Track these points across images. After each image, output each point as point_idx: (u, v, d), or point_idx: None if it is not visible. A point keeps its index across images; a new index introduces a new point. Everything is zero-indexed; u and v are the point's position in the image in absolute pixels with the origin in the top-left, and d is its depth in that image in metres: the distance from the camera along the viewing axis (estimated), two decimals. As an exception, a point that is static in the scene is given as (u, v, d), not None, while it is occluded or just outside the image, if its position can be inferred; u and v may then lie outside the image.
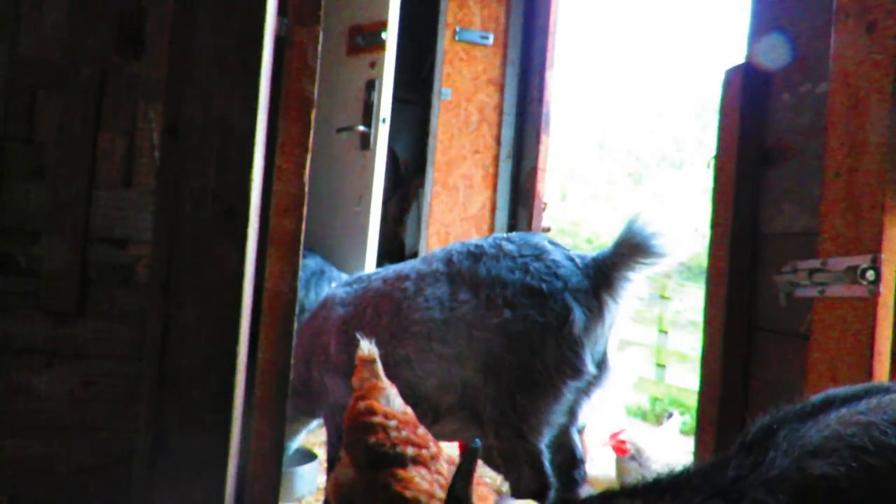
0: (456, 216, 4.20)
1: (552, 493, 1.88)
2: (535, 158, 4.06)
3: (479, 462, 2.80)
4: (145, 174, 1.52)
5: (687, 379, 6.15)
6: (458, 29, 4.16)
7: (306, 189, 1.65)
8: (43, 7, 1.47)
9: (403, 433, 1.23)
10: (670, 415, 3.09)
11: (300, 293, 1.74)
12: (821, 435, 0.76)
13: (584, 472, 2.04)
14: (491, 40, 4.22)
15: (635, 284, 1.89)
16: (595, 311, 1.86)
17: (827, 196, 1.40)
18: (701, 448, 1.80)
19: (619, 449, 2.43)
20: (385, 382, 1.32)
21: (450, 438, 2.08)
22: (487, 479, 2.79)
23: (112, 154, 1.51)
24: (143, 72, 1.51)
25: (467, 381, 1.93)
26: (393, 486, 1.16)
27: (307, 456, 2.70)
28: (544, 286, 1.86)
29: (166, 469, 1.44)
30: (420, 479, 1.17)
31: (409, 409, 1.31)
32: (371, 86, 3.57)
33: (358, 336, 1.40)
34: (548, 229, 4.07)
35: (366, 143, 3.59)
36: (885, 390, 0.82)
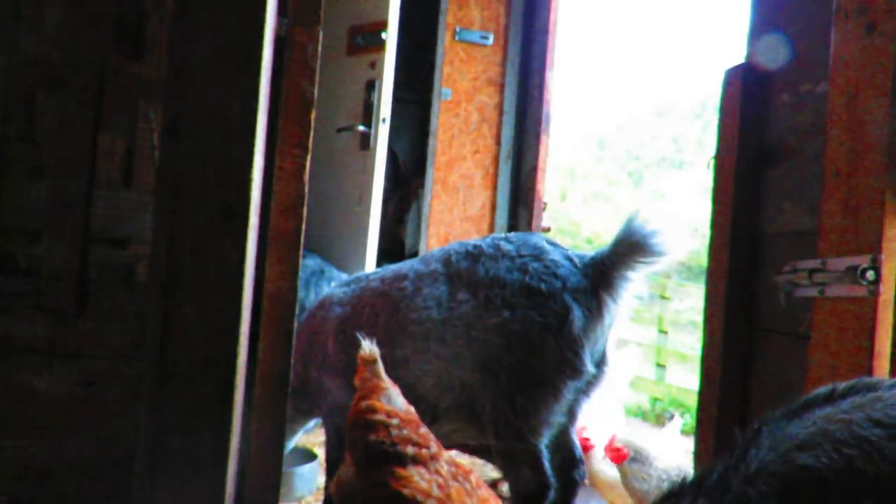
0: (456, 216, 4.20)
1: (552, 494, 1.88)
2: (535, 158, 4.06)
3: (479, 462, 2.80)
4: (145, 174, 1.52)
5: (687, 379, 6.16)
6: (458, 29, 4.16)
7: (306, 189, 1.65)
8: (43, 7, 1.47)
9: (405, 432, 1.23)
10: (672, 416, 3.09)
11: (300, 293, 1.74)
12: (806, 431, 0.83)
13: (584, 473, 2.04)
14: (491, 40, 4.22)
15: (634, 284, 1.89)
16: (594, 310, 1.86)
17: (827, 196, 1.40)
18: (701, 448, 1.80)
19: (617, 457, 2.44)
20: (387, 382, 1.32)
21: (448, 439, 2.08)
22: (487, 478, 2.79)
23: (112, 154, 1.51)
24: (143, 72, 1.51)
25: (466, 381, 1.93)
26: (391, 484, 1.16)
27: (307, 456, 2.70)
28: (543, 286, 1.86)
29: (166, 469, 1.44)
30: (419, 477, 1.17)
31: (411, 409, 1.30)
32: (371, 86, 3.57)
33: (359, 336, 1.40)
34: (548, 229, 4.07)
35: (366, 143, 3.59)
36: (871, 387, 0.87)
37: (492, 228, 4.22)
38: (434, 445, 1.25)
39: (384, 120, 3.53)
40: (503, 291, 1.88)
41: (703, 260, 1.88)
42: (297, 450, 2.69)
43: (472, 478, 1.25)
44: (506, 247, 1.96)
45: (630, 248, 1.83)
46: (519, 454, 1.87)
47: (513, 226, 4.23)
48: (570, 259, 1.92)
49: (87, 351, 1.48)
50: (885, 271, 1.27)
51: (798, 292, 1.48)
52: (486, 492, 1.24)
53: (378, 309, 2.08)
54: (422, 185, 4.38)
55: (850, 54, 1.38)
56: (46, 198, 1.47)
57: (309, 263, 3.38)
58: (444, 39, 4.16)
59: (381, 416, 1.24)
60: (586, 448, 2.56)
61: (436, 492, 1.16)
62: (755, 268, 1.73)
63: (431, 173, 4.18)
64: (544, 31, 4.06)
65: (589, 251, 2.02)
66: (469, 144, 4.22)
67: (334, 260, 3.61)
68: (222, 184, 1.47)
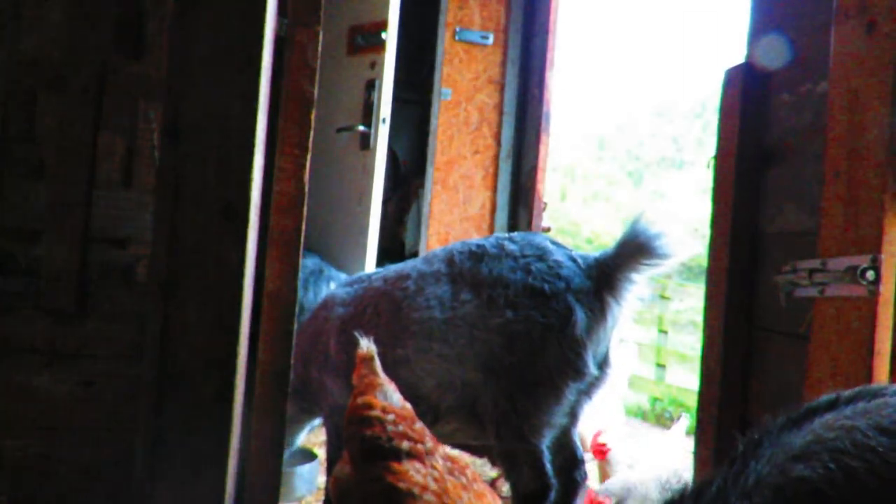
0: (456, 216, 4.20)
1: (552, 494, 1.88)
2: (535, 158, 4.06)
3: (479, 462, 2.80)
4: (145, 174, 1.52)
5: (687, 379, 6.15)
6: (458, 29, 4.16)
7: (306, 189, 1.65)
8: (43, 7, 1.47)
9: (400, 427, 1.23)
10: (679, 417, 3.09)
11: (299, 293, 1.74)
12: (804, 440, 0.79)
13: (585, 473, 2.04)
14: (491, 40, 4.22)
15: (638, 285, 1.89)
16: (597, 312, 1.86)
17: (827, 196, 1.40)
18: (701, 448, 1.80)
19: (599, 452, 2.45)
20: (383, 378, 1.32)
21: (449, 438, 2.08)
22: (486, 477, 2.79)
23: (112, 154, 1.50)
24: (143, 72, 1.51)
25: (468, 381, 1.93)
26: (386, 478, 1.16)
27: (307, 456, 2.70)
28: (546, 287, 1.85)
29: (166, 469, 1.44)
30: (414, 472, 1.17)
31: (407, 405, 1.31)
32: (371, 86, 3.57)
33: (356, 334, 1.40)
34: (548, 229, 4.07)
35: (366, 143, 3.59)
36: (876, 394, 0.83)
37: (492, 228, 4.22)
38: (429, 440, 1.25)
39: (384, 120, 3.53)
40: (506, 291, 1.87)
41: (703, 260, 1.88)
42: (297, 450, 2.69)
43: (468, 472, 1.25)
44: (509, 247, 1.96)
45: (634, 250, 1.83)
46: (520, 454, 1.87)
47: (513, 226, 4.23)
48: (573, 260, 1.92)
49: (87, 351, 1.48)
50: (885, 271, 1.27)
51: (798, 292, 1.48)
52: (481, 486, 1.24)
53: (380, 309, 2.08)
54: (422, 185, 4.38)
55: (851, 54, 1.38)
56: (46, 198, 1.47)
57: (308, 263, 3.38)
58: (444, 39, 4.16)
59: (376, 412, 1.24)
60: (603, 453, 2.56)
61: (432, 486, 1.16)
62: (755, 268, 1.73)
63: (431, 173, 4.18)
64: (544, 31, 4.06)
65: (589, 251, 2.02)
66: (469, 144, 4.22)
67: (334, 260, 3.61)
68: (222, 184, 1.47)
